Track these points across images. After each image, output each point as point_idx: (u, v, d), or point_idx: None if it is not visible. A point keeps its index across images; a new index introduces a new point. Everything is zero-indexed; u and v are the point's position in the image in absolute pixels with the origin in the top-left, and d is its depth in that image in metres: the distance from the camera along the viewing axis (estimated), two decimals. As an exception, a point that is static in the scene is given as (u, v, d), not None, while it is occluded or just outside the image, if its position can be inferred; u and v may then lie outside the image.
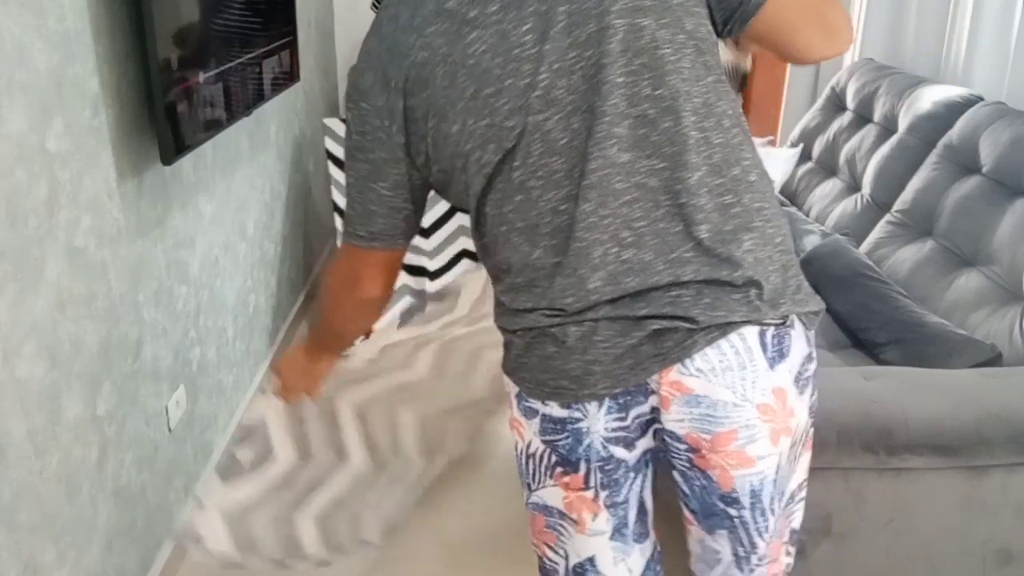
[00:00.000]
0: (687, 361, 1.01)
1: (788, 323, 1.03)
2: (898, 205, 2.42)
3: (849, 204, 2.68)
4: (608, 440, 1.08)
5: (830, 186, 2.86)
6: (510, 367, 1.11)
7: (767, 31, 1.05)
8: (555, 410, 1.07)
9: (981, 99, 2.36)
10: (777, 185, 2.87)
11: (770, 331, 1.02)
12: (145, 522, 1.82)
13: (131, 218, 1.72)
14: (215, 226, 2.24)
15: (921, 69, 2.82)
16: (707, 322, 1.00)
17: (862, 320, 2.08)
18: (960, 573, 1.59)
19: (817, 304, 1.07)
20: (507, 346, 1.12)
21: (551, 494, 1.14)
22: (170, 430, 1.94)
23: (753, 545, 1.13)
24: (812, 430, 1.14)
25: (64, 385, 1.47)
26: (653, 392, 1.04)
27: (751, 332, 1.01)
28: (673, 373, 1.02)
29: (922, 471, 1.51)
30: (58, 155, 1.44)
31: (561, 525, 1.16)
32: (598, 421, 1.06)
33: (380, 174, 1.09)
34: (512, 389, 1.12)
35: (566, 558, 1.18)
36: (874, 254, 2.39)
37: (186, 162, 2.02)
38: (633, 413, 1.06)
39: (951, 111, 2.38)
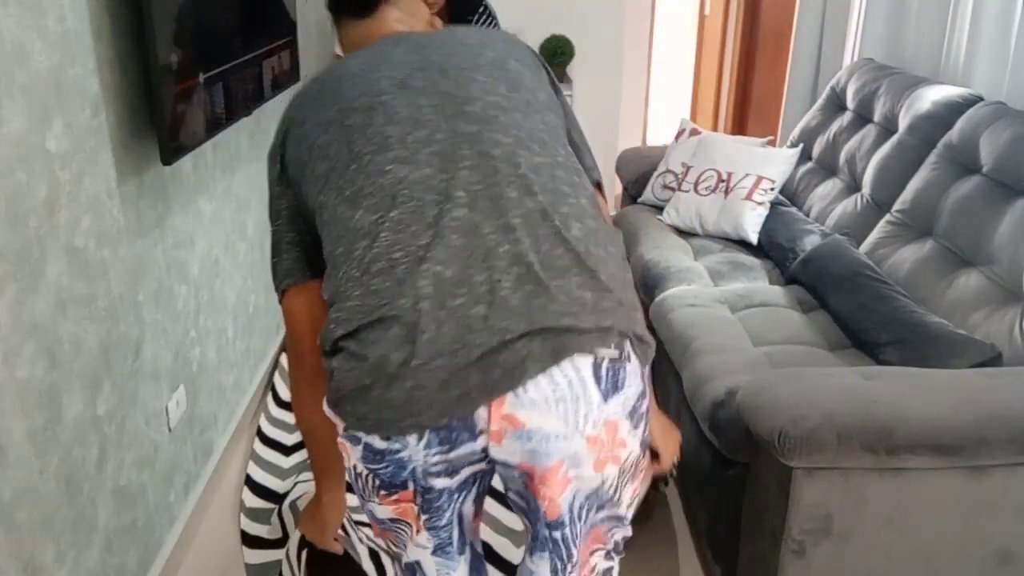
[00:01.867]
0: (520, 391, 0.97)
1: (624, 355, 1.02)
2: (898, 205, 2.42)
3: (849, 204, 2.68)
4: (429, 473, 1.04)
5: (830, 186, 2.86)
6: (332, 400, 1.06)
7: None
8: (376, 441, 1.03)
9: (981, 99, 2.36)
10: (777, 185, 2.87)
11: (604, 363, 1.00)
12: (145, 522, 1.82)
13: (131, 218, 1.72)
14: (215, 226, 2.24)
15: (921, 69, 2.82)
16: (526, 327, 0.97)
17: (862, 320, 2.08)
18: (960, 573, 1.59)
19: (649, 338, 1.07)
20: (330, 375, 1.06)
21: (379, 509, 1.12)
22: (170, 430, 1.94)
23: (569, 555, 1.12)
24: (645, 462, 1.13)
25: (64, 385, 1.47)
26: (482, 432, 1.00)
27: (584, 362, 0.98)
28: (506, 406, 0.98)
29: (922, 471, 1.51)
30: (58, 155, 1.44)
31: (397, 527, 1.15)
32: (418, 454, 1.01)
33: (279, 216, 1.20)
34: (337, 421, 1.07)
35: (405, 550, 1.18)
36: (874, 254, 2.39)
37: (186, 162, 2.02)
38: (460, 452, 1.02)
39: (951, 111, 2.38)
